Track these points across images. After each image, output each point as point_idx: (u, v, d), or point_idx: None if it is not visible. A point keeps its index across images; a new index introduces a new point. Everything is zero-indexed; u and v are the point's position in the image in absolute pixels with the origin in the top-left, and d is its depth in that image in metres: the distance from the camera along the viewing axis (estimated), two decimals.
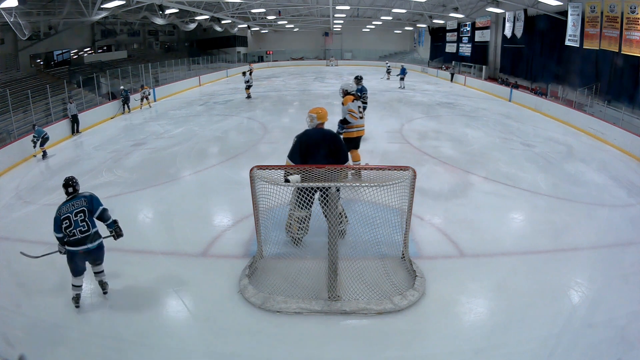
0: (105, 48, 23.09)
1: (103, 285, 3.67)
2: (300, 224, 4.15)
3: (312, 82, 20.55)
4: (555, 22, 14.21)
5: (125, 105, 13.50)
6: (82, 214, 3.41)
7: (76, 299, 3.47)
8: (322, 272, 3.62)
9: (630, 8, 10.45)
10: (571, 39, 13.40)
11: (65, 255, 3.46)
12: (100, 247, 3.58)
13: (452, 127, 10.44)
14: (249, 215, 4.33)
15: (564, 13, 13.54)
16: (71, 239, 3.39)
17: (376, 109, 12.72)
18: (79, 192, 3.58)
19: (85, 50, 21.80)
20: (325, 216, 3.53)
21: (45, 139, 8.78)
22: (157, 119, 12.28)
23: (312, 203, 3.91)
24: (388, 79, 20.87)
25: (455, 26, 23.91)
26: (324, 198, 3.42)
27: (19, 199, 6.21)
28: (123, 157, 8.08)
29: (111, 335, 3.18)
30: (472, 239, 4.56)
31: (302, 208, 3.96)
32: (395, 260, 3.98)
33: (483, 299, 3.63)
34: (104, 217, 3.53)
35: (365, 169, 3.72)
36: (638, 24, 10.40)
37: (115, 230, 3.64)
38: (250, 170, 3.56)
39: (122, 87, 13.86)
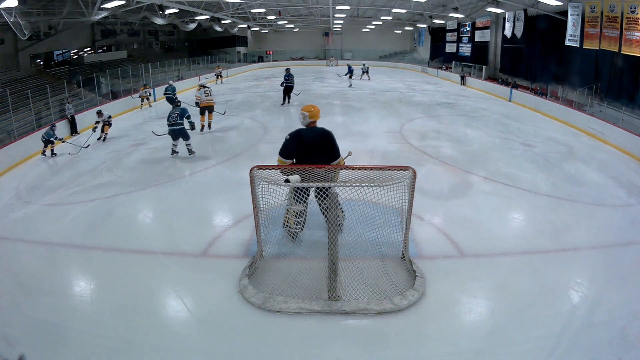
0: (105, 48, 23.08)
1: (189, 151, 7.74)
2: (297, 218, 4.18)
3: (312, 82, 20.53)
4: (555, 22, 14.20)
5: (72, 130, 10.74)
6: (176, 113, 7.54)
7: (172, 152, 7.83)
8: (322, 272, 3.63)
9: (630, 8, 10.45)
10: (571, 39, 13.40)
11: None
12: (181, 130, 7.58)
13: (452, 127, 10.44)
14: (249, 215, 4.33)
15: (564, 13, 13.54)
16: (169, 123, 7.56)
17: (376, 109, 12.73)
18: (180, 105, 7.92)
19: (85, 50, 21.79)
20: (323, 212, 3.55)
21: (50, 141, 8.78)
22: (157, 119, 12.27)
23: (307, 197, 4.06)
24: (369, 79, 20.82)
25: (455, 26, 23.90)
26: (321, 195, 3.43)
27: (19, 199, 6.21)
28: (123, 157, 8.08)
29: (111, 335, 3.17)
30: (472, 239, 4.56)
31: (299, 202, 4.01)
32: (395, 260, 3.98)
33: (483, 299, 3.63)
34: (187, 118, 7.64)
35: (365, 168, 3.72)
36: (638, 24, 10.39)
37: (191, 125, 7.88)
38: (250, 170, 3.56)
39: (68, 102, 10.85)
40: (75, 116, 10.95)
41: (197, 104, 10.24)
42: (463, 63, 22.44)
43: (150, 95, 14.89)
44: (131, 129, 10.97)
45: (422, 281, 3.70)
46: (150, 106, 14.73)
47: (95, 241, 4.65)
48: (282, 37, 34.26)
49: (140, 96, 14.46)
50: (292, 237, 4.31)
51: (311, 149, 4.13)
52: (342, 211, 4.23)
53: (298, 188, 3.83)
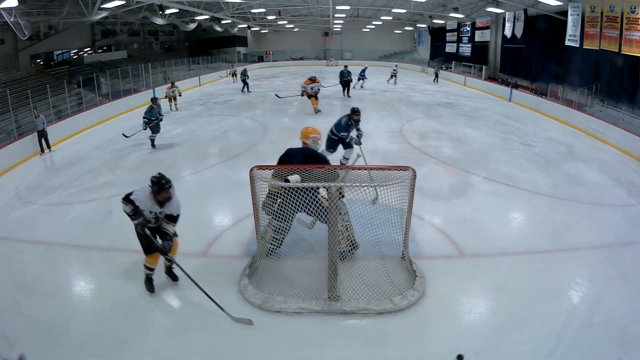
0: (105, 48, 23.07)
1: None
2: (275, 234, 3.84)
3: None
4: (555, 22, 14.20)
5: (43, 141, 8.87)
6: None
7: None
8: (322, 272, 3.63)
9: (630, 8, 10.45)
10: (571, 39, 13.40)
11: None
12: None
13: (452, 127, 10.44)
14: (249, 215, 4.33)
15: (564, 13, 13.54)
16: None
17: (376, 109, 12.73)
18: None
19: (85, 50, 21.79)
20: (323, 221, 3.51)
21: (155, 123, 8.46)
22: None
23: (292, 218, 3.76)
24: (395, 83, 19.28)
25: (455, 26, 23.90)
26: (315, 212, 3.42)
27: (19, 199, 6.21)
28: (123, 157, 8.08)
29: (111, 335, 3.18)
30: (472, 239, 4.57)
31: (281, 219, 3.71)
32: (395, 260, 3.98)
33: (483, 299, 3.63)
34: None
35: (365, 169, 3.72)
36: (638, 24, 10.40)
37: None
38: (250, 170, 3.56)
39: (36, 112, 8.88)
40: (47, 129, 8.91)
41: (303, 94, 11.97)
42: (463, 63, 22.45)
43: (180, 94, 13.39)
44: (131, 129, 10.94)
45: (422, 281, 3.70)
46: (177, 109, 13.12)
47: (95, 241, 4.65)
48: (282, 37, 34.25)
49: (167, 96, 12.93)
50: (267, 254, 3.90)
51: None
52: (355, 244, 4.03)
53: (283, 205, 3.58)
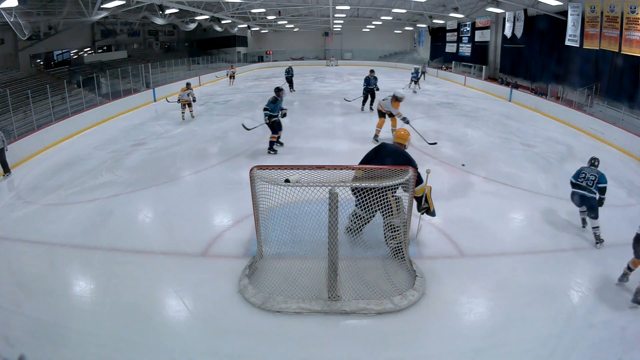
0: (105, 48, 23.09)
1: None
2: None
3: (312, 82, 20.53)
4: (555, 22, 14.21)
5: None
6: None
7: None
8: (322, 272, 3.63)
9: (630, 8, 10.45)
10: (571, 39, 13.40)
11: None
12: None
13: (452, 127, 10.44)
14: (249, 215, 4.32)
15: (564, 13, 13.54)
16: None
17: (376, 109, 12.70)
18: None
19: (85, 50, 21.81)
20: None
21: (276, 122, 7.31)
22: (157, 119, 12.27)
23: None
24: (419, 87, 17.38)
25: (455, 26, 23.90)
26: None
27: (19, 199, 6.21)
28: (123, 157, 8.08)
29: (111, 335, 3.18)
30: (472, 239, 4.57)
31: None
32: (395, 260, 3.98)
33: (483, 299, 3.63)
34: None
35: (365, 169, 3.72)
36: (638, 24, 10.40)
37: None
38: (250, 170, 3.56)
39: None
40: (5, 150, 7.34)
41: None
42: (463, 62, 22.46)
43: (195, 99, 11.50)
44: (131, 129, 10.96)
45: (422, 281, 3.70)
46: (193, 116, 11.47)
47: (95, 241, 4.65)
48: (282, 37, 34.26)
49: (180, 100, 11.23)
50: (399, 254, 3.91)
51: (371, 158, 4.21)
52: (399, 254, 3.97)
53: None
